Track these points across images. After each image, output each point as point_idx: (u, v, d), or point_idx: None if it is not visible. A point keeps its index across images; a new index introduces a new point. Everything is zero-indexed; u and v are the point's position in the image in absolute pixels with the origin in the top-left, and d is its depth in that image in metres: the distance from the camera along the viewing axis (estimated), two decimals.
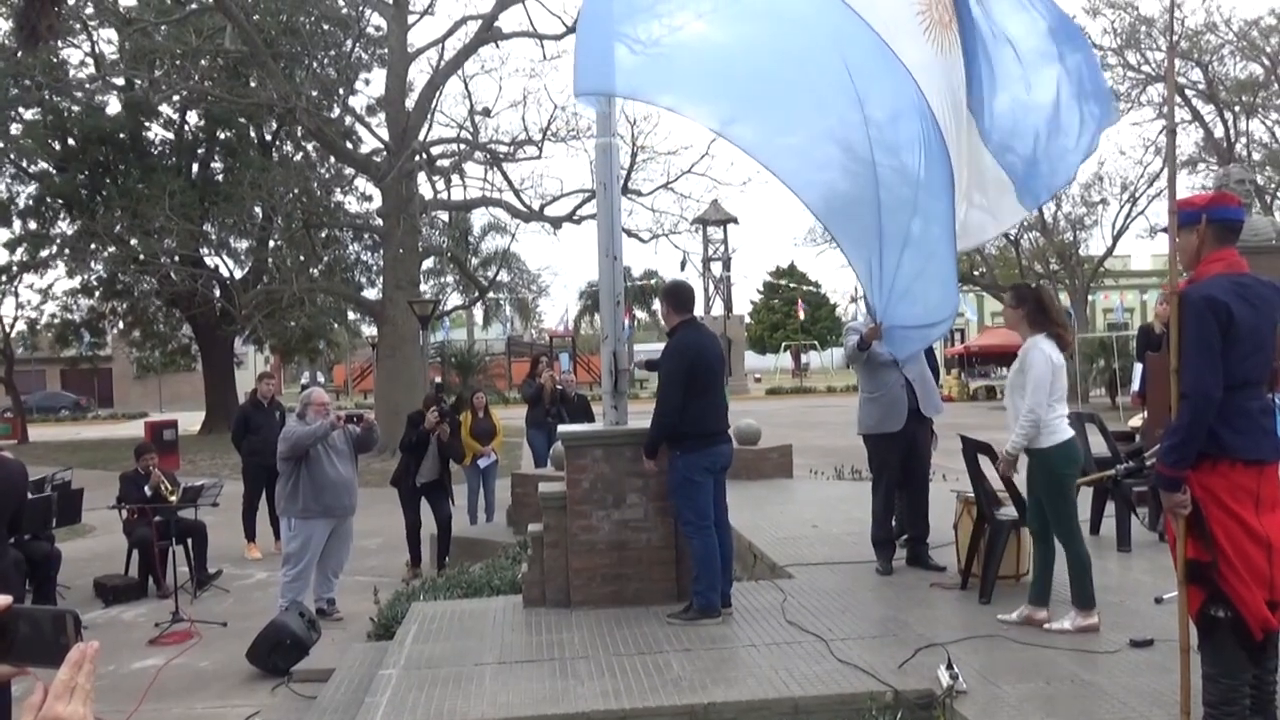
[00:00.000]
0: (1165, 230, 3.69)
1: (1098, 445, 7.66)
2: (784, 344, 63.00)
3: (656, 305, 60.22)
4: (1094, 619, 5.24)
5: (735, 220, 42.93)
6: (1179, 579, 3.60)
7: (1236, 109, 31.94)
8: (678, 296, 6.15)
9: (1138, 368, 9.92)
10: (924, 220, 5.37)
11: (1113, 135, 66.01)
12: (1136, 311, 44.41)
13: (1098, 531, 7.43)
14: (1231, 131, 32.28)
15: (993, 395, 39.35)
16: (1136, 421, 9.43)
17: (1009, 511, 6.06)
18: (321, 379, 60.15)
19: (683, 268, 31.01)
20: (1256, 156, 32.19)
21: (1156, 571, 6.42)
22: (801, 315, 55.79)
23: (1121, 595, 5.91)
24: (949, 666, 4.46)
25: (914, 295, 5.55)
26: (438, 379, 18.48)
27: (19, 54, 22.02)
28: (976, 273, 34.06)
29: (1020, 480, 6.08)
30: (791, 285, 56.41)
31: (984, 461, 6.15)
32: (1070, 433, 5.37)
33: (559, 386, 12.35)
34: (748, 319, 62.29)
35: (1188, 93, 30.76)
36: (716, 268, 44.97)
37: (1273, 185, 31.94)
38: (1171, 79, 4.52)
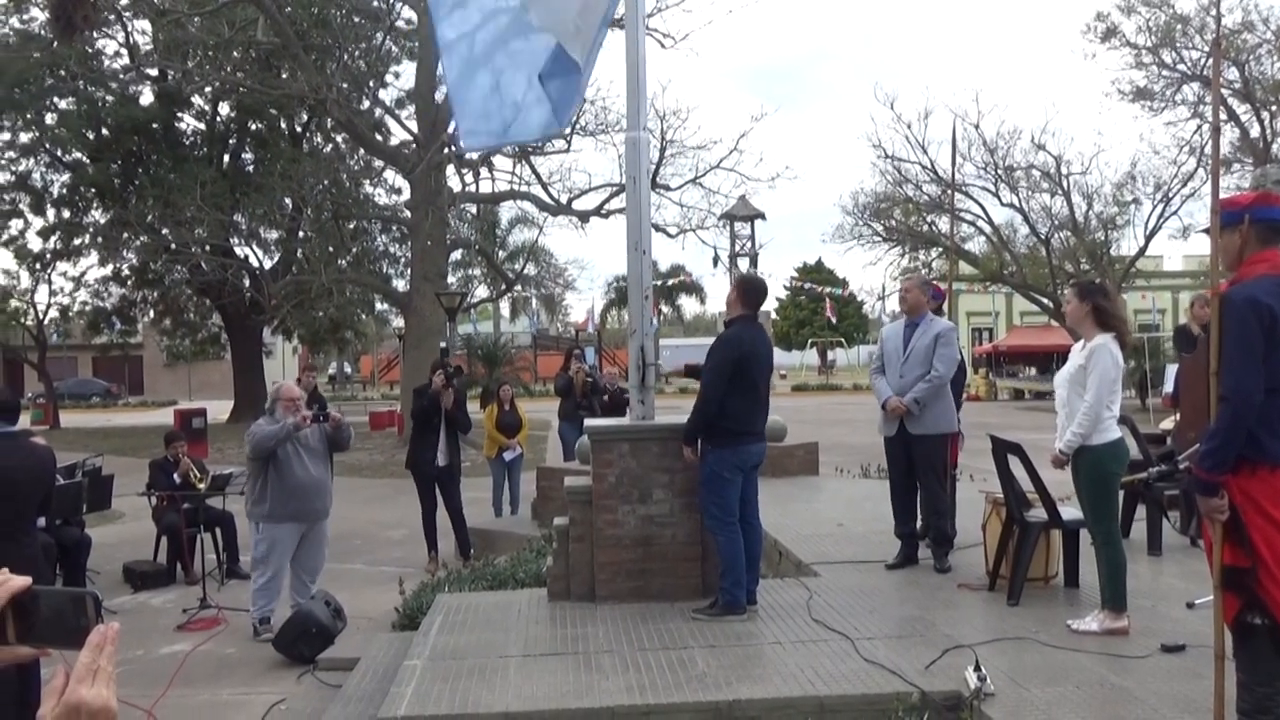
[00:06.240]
0: (1206, 230, 3.62)
1: (1129, 447, 7.57)
2: (810, 341, 62.82)
3: (681, 300, 60.51)
4: (1123, 622, 5.18)
5: (763, 216, 42.87)
6: (1215, 584, 3.54)
7: (1273, 108, 31.49)
8: (749, 289, 6.11)
9: (1170, 369, 9.80)
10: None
11: (1146, 135, 65.39)
12: (1169, 312, 43.89)
13: (1128, 535, 7.33)
14: (1268, 131, 31.84)
15: (1020, 397, 39.04)
16: (1168, 424, 9.32)
17: (1038, 513, 6.00)
18: (349, 369, 60.63)
19: (715, 264, 30.93)
20: None
21: (1188, 576, 6.35)
22: (833, 319, 55.52)
23: (1153, 599, 5.84)
24: (976, 668, 4.41)
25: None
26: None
27: (55, 44, 22.29)
28: (1006, 271, 33.75)
29: (1051, 481, 6.03)
30: (808, 286, 56.09)
31: (1014, 462, 6.09)
32: (1120, 433, 5.34)
33: (589, 379, 12.33)
34: (774, 315, 62.13)
35: (1223, 91, 30.32)
36: (743, 264, 44.83)
37: None
38: (1217, 76, 4.45)
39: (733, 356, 5.82)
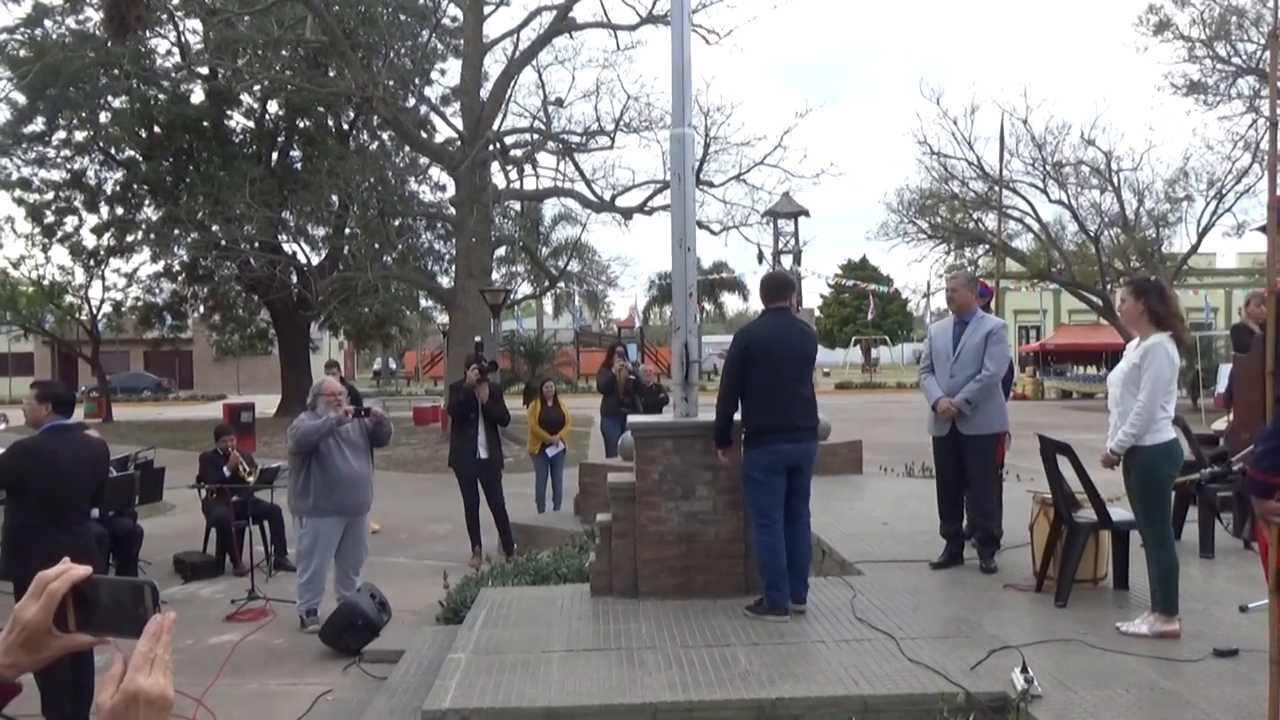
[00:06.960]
0: (1261, 228, 3.54)
1: (1183, 448, 7.45)
2: (854, 339, 62.39)
3: (724, 298, 60.43)
4: (1175, 625, 5.09)
5: (806, 213, 42.67)
6: (1270, 588, 3.48)
7: None
8: (765, 285, 6.09)
9: (1224, 369, 9.63)
10: None
11: (1200, 130, 64.09)
12: (1221, 311, 43.00)
13: (1179, 536, 7.20)
14: None
15: (1068, 397, 38.46)
16: (1220, 424, 9.16)
17: (1087, 514, 5.92)
18: (394, 365, 61.21)
19: (760, 261, 30.85)
20: None
21: (1241, 579, 6.23)
22: (869, 317, 55.08)
23: (1205, 603, 5.74)
24: (1023, 670, 4.36)
25: None
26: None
27: (109, 44, 22.68)
28: (1055, 269, 33.28)
29: (1100, 481, 5.94)
30: (852, 283, 55.67)
31: (1062, 462, 6.01)
32: (1173, 434, 5.23)
33: (631, 376, 12.35)
34: (818, 313, 61.75)
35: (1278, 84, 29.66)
36: (787, 261, 44.64)
37: None
38: (1273, 69, 4.36)
39: (737, 350, 5.78)
